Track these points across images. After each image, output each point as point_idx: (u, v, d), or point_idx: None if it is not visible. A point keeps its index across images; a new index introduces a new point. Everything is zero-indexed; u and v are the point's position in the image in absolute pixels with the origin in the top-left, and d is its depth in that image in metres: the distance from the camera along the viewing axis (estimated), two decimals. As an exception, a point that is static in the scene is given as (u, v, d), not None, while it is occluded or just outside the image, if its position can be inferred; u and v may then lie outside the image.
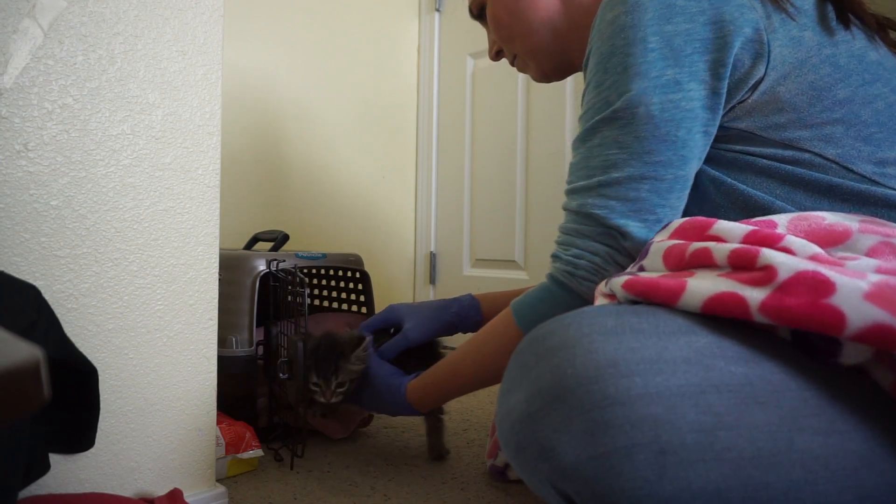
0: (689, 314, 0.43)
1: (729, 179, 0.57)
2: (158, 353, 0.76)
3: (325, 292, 1.41)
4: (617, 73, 0.56)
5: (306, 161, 1.80)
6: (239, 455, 0.91)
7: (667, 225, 0.54)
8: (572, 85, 1.70)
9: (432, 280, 2.10)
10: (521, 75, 1.83)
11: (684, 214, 0.59)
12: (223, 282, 0.99)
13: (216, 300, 0.82)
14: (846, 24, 0.58)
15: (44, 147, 0.67)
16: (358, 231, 1.94)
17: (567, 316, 0.46)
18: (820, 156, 0.54)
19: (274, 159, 1.73)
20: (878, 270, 0.41)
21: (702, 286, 0.43)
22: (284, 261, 1.10)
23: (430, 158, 2.10)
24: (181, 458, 0.79)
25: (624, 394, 0.39)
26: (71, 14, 0.68)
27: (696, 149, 0.57)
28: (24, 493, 0.65)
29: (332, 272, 1.39)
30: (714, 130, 0.57)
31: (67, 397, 0.65)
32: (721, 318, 0.42)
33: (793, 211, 0.53)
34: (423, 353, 0.94)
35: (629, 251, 0.57)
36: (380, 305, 1.12)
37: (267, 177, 1.71)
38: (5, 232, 0.65)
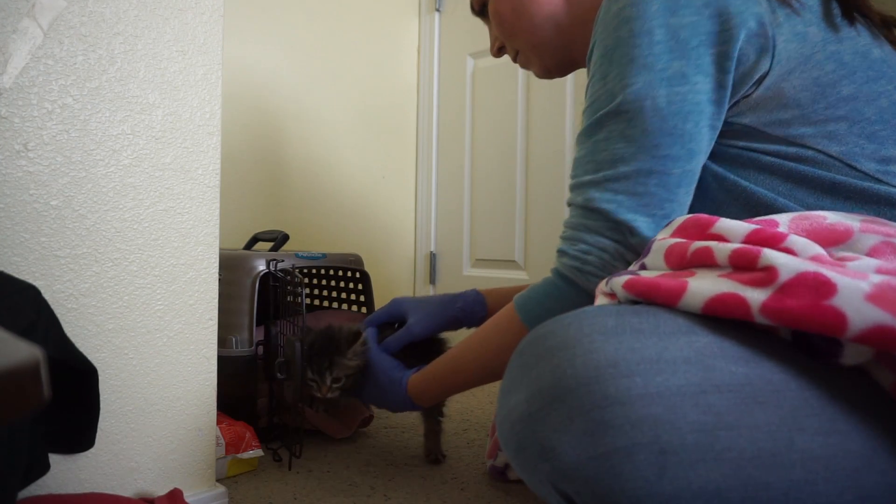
0: (689, 314, 0.43)
1: (732, 176, 0.57)
2: (158, 353, 0.76)
3: (325, 292, 1.41)
4: (622, 65, 0.56)
5: (306, 161, 1.80)
6: (239, 455, 0.91)
7: (670, 222, 0.54)
8: (572, 85, 1.70)
9: (432, 280, 2.10)
10: (521, 75, 1.83)
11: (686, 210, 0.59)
12: (223, 282, 0.99)
13: (216, 300, 0.82)
14: (851, 20, 0.57)
15: (44, 147, 0.67)
16: (358, 231, 1.94)
17: (567, 316, 0.46)
18: (823, 153, 0.54)
19: (274, 159, 1.73)
20: (879, 271, 0.40)
21: (703, 287, 0.43)
22: (284, 261, 1.10)
23: (430, 158, 2.10)
24: (181, 458, 0.79)
25: (624, 394, 0.39)
26: (71, 14, 0.68)
27: (703, 143, 0.56)
28: (24, 493, 0.65)
29: (331, 272, 1.39)
30: (719, 125, 0.57)
31: (67, 397, 0.65)
32: (721, 318, 0.42)
33: (795, 208, 0.53)
34: (426, 348, 0.93)
35: (635, 248, 0.57)
36: (380, 305, 1.11)
37: (267, 176, 1.71)
38: (5, 232, 0.65)
